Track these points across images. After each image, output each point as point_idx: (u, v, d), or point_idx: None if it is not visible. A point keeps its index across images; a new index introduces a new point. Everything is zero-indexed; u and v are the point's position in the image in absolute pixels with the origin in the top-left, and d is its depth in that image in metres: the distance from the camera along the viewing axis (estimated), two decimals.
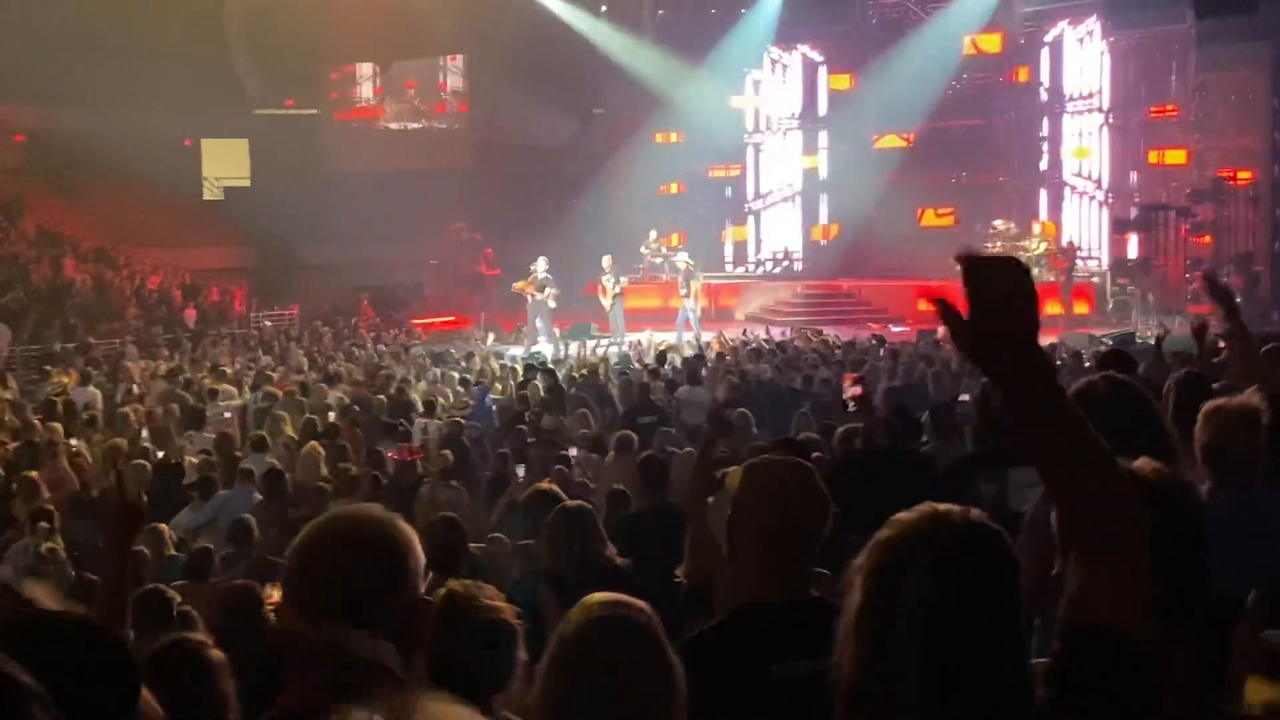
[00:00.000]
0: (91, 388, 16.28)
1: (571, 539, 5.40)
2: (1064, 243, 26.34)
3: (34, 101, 30.98)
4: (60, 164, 31.71)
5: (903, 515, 1.90)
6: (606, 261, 25.03)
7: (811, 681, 2.33)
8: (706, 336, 22.23)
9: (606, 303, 24.71)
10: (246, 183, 35.86)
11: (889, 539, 1.87)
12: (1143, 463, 2.26)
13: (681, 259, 25.24)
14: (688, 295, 24.58)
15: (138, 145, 30.38)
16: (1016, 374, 1.86)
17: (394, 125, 35.97)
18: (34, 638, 1.72)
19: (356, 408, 14.39)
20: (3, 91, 29.47)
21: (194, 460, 11.30)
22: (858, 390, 6.12)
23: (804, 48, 30.25)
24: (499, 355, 21.05)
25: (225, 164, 36.20)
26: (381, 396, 15.06)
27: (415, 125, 35.81)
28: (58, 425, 12.74)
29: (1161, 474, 2.28)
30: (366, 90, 36.26)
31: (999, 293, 1.83)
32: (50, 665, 1.07)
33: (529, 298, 24.35)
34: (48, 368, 20.39)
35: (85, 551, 8.39)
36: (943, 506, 1.90)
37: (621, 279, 25.05)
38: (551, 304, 24.34)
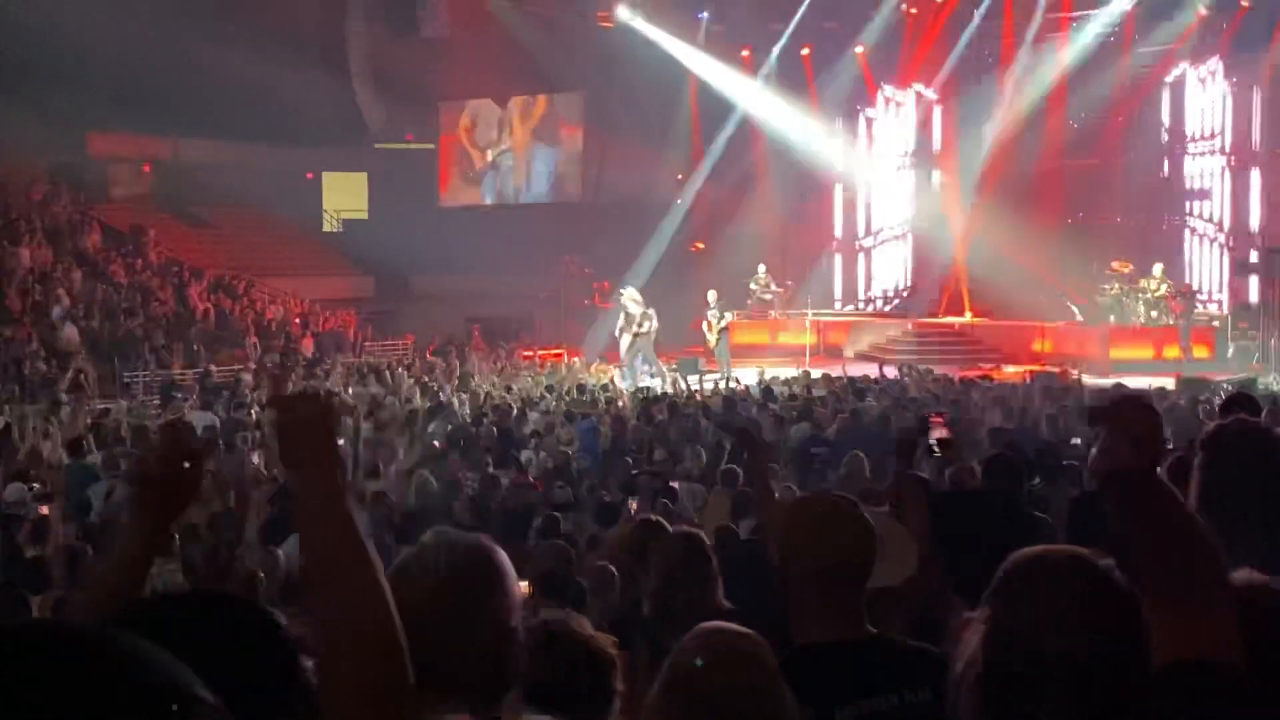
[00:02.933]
0: (209, 413, 16.71)
1: (689, 572, 5.23)
2: (1183, 285, 25.76)
3: (161, 132, 32.00)
4: (185, 194, 32.71)
5: (1021, 561, 1.91)
6: (712, 296, 25.06)
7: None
8: (789, 372, 22.13)
9: (711, 338, 24.72)
10: (364, 215, 36.65)
11: (1012, 578, 1.89)
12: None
13: (629, 294, 24.84)
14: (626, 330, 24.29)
15: (261, 177, 31.27)
16: (1135, 500, 2.07)
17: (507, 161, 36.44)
18: (180, 619, 1.63)
19: (464, 438, 14.57)
20: (131, 122, 30.52)
21: None
22: (944, 432, 5.95)
23: (919, 85, 30.09)
24: (606, 389, 21.14)
25: (345, 197, 37.07)
26: (492, 426, 15.22)
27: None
28: None
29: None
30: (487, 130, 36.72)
31: (1136, 431, 2.06)
32: (204, 648, 1.04)
33: (626, 333, 24.29)
34: (174, 394, 20.93)
35: (200, 574, 8.57)
36: (1060, 549, 1.94)
37: (727, 314, 25.03)
38: (649, 334, 24.27)
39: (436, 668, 2.01)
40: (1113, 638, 1.81)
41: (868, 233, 31.51)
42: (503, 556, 2.29)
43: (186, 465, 2.23)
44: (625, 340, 24.31)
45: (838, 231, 31.91)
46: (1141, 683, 1.82)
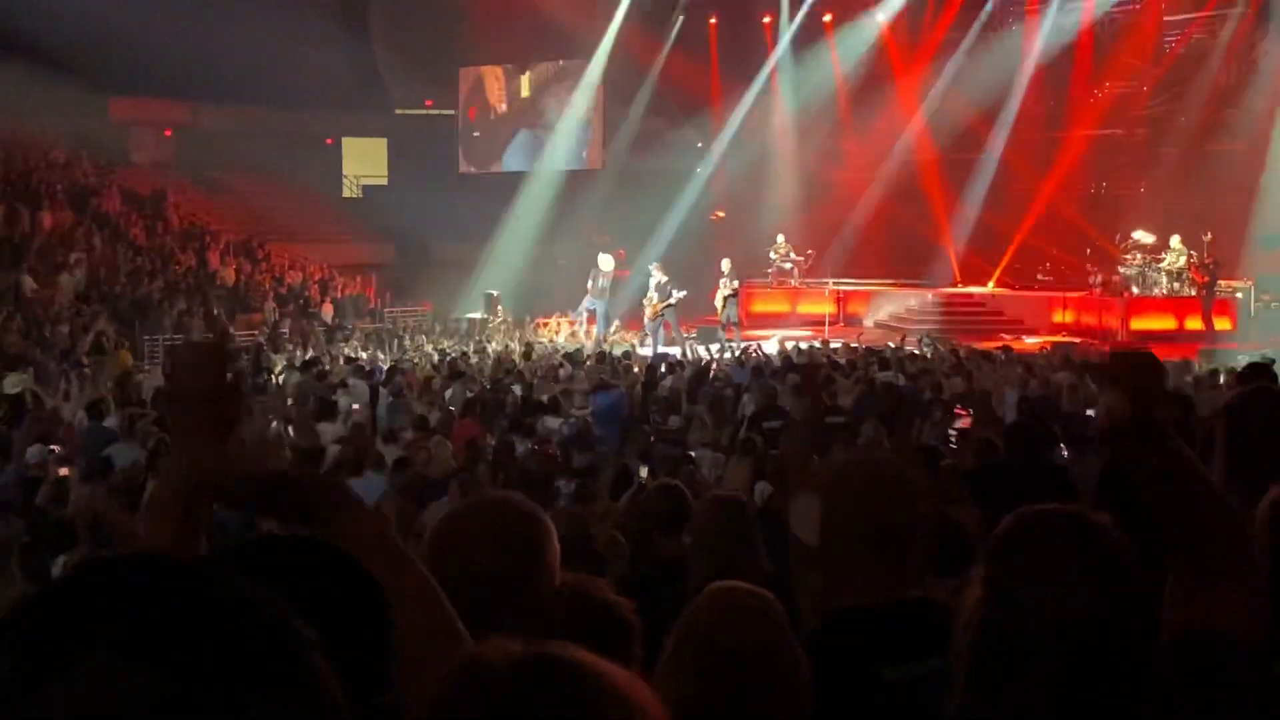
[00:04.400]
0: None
1: (737, 537, 5.18)
2: (1206, 257, 25.57)
3: (182, 98, 32.04)
4: (205, 159, 32.74)
5: (1017, 519, 1.89)
6: (726, 264, 25.05)
7: (922, 684, 2.29)
8: (786, 342, 22.25)
9: (717, 303, 24.77)
10: (384, 181, 36.66)
11: (1009, 537, 1.87)
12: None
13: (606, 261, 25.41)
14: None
15: (281, 143, 31.29)
16: (1136, 450, 2.11)
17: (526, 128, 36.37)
18: (274, 563, 1.60)
19: (484, 403, 14.59)
20: (153, 87, 30.56)
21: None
22: (967, 423, 5.89)
23: (941, 54, 29.85)
24: (626, 355, 21.15)
25: (364, 162, 37.07)
26: (515, 392, 15.26)
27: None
28: None
29: None
30: (500, 91, 36.64)
31: (1132, 382, 2.10)
32: (301, 594, 1.03)
33: (646, 303, 24.49)
34: None
35: (228, 538, 8.62)
36: (1055, 507, 1.91)
37: (735, 282, 25.02)
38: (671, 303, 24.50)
39: (486, 625, 2.00)
40: (1109, 595, 1.77)
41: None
42: (547, 520, 2.28)
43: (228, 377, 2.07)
44: (649, 309, 24.43)
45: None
46: (1139, 643, 1.79)
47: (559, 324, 27.13)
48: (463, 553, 2.21)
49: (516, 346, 23.48)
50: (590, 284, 25.92)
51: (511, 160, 35.34)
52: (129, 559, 0.96)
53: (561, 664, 1.17)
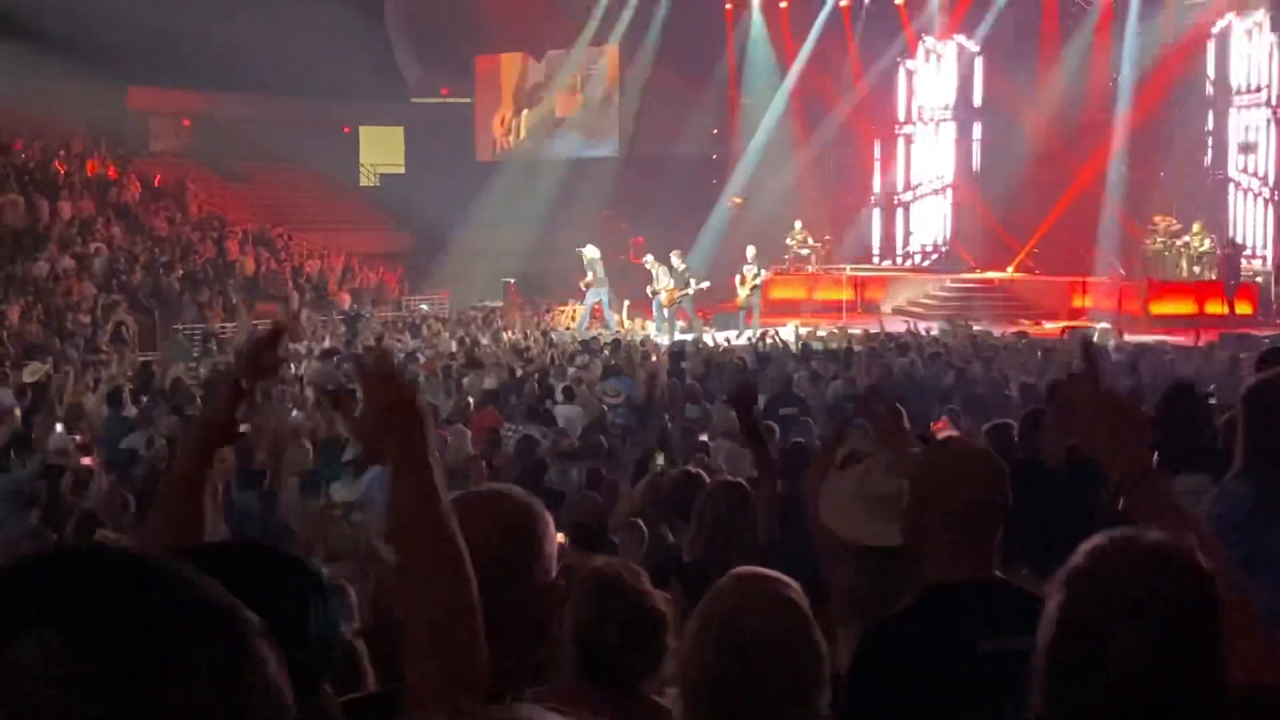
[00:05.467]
0: None
1: (734, 520, 5.23)
2: (1226, 244, 25.41)
3: (200, 87, 32.08)
4: (223, 148, 32.79)
5: (1107, 544, 1.86)
6: (751, 252, 24.99)
7: (1015, 658, 2.32)
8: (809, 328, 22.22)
9: (743, 292, 24.67)
10: (401, 169, 36.68)
11: (1094, 559, 1.84)
12: None
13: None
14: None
15: (299, 131, 31.32)
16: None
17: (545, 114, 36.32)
18: (221, 566, 1.67)
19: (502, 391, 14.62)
20: (170, 77, 30.62)
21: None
22: (951, 433, 5.86)
23: (960, 38, 29.74)
24: (644, 342, 21.15)
25: (382, 151, 37.10)
26: (534, 380, 15.28)
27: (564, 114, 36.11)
28: None
29: None
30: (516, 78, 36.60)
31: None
32: (251, 595, 1.07)
33: (657, 292, 24.50)
34: (211, 346, 21.09)
35: (252, 523, 8.64)
36: (1154, 538, 1.85)
37: (763, 270, 24.96)
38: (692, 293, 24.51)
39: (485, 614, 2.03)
40: (1183, 640, 1.76)
41: (907, 187, 31.29)
42: (544, 511, 2.28)
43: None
44: (662, 296, 24.40)
45: (876, 186, 31.71)
46: (1204, 692, 1.77)
47: (575, 311, 27.09)
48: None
49: (535, 334, 23.51)
50: (590, 276, 25.75)
51: (529, 148, 35.30)
52: (79, 547, 1.02)
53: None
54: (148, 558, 0.99)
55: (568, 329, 25.20)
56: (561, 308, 27.95)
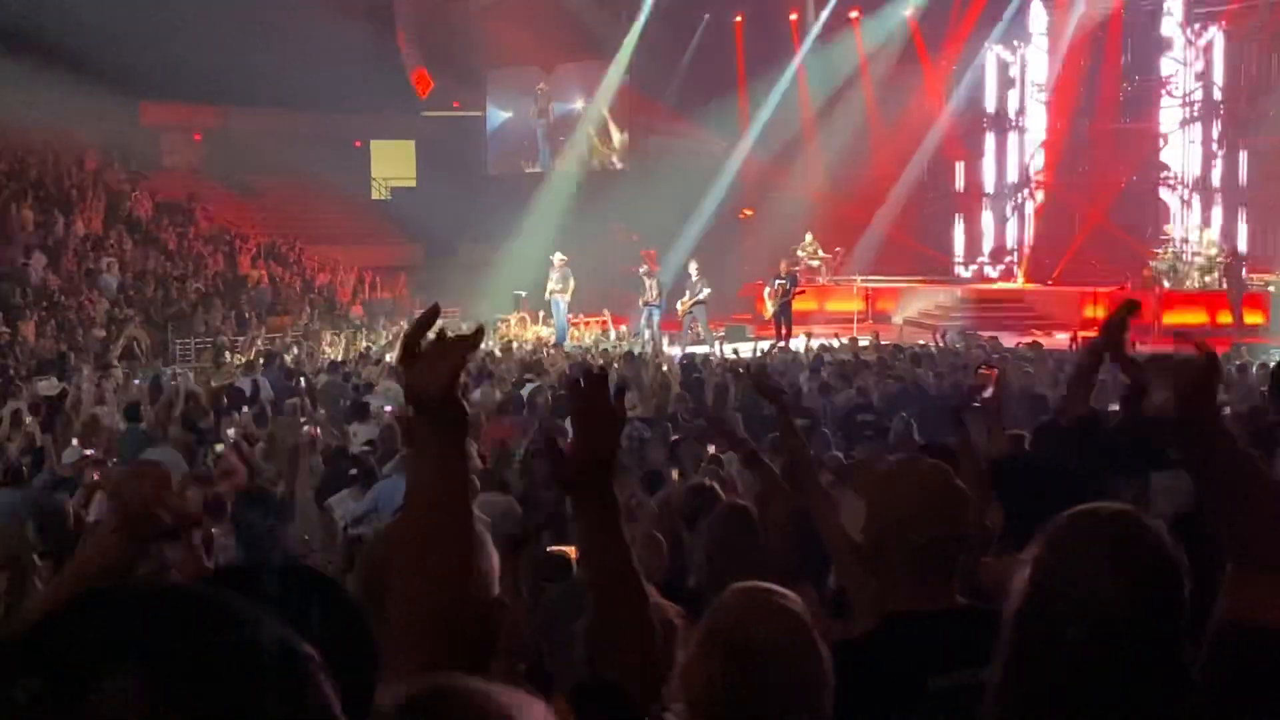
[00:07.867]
0: (260, 378, 16.88)
1: (739, 544, 5.23)
2: (1227, 253, 25.30)
3: (212, 102, 32.22)
4: (235, 163, 32.92)
5: (1071, 514, 1.99)
6: (783, 266, 24.85)
7: (966, 693, 2.31)
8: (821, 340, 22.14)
9: (771, 306, 24.50)
10: (412, 183, 36.77)
11: (1057, 537, 1.96)
12: None
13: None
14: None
15: (310, 146, 31.43)
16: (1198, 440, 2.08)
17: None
18: (263, 586, 1.61)
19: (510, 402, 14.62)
20: (182, 91, 30.73)
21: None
22: (991, 390, 5.77)
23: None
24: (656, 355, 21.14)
25: (393, 164, 37.19)
26: (548, 392, 15.29)
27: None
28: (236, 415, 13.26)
29: None
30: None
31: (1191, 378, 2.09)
32: (291, 617, 1.08)
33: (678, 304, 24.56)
34: (223, 360, 21.14)
35: (257, 540, 8.66)
36: (1110, 505, 2.02)
37: (788, 283, 24.61)
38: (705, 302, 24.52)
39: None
40: (1148, 593, 1.87)
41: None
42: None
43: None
44: (681, 306, 24.40)
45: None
46: (1172, 643, 1.88)
47: (585, 323, 27.09)
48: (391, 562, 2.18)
49: (548, 346, 23.53)
50: (557, 286, 25.69)
51: (539, 161, 35.36)
52: (140, 583, 1.01)
53: (449, 696, 1.26)
54: (214, 595, 1.01)
55: (578, 341, 25.14)
56: (573, 320, 27.94)
